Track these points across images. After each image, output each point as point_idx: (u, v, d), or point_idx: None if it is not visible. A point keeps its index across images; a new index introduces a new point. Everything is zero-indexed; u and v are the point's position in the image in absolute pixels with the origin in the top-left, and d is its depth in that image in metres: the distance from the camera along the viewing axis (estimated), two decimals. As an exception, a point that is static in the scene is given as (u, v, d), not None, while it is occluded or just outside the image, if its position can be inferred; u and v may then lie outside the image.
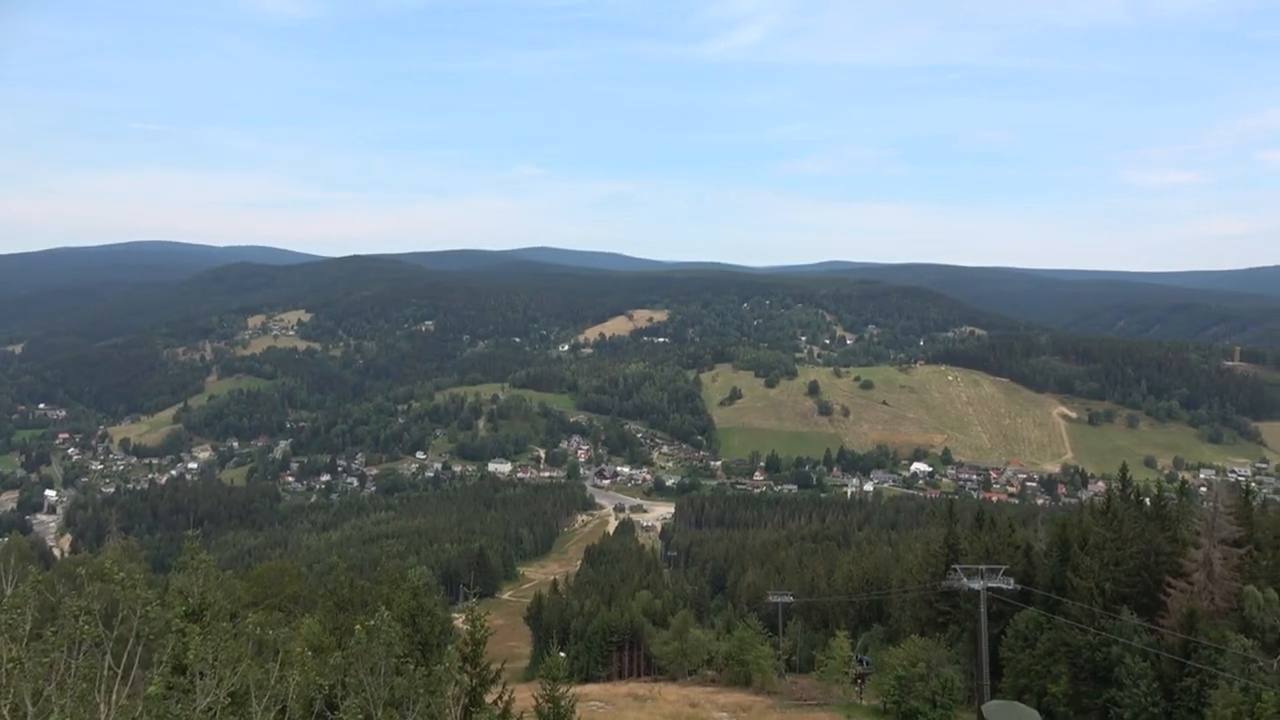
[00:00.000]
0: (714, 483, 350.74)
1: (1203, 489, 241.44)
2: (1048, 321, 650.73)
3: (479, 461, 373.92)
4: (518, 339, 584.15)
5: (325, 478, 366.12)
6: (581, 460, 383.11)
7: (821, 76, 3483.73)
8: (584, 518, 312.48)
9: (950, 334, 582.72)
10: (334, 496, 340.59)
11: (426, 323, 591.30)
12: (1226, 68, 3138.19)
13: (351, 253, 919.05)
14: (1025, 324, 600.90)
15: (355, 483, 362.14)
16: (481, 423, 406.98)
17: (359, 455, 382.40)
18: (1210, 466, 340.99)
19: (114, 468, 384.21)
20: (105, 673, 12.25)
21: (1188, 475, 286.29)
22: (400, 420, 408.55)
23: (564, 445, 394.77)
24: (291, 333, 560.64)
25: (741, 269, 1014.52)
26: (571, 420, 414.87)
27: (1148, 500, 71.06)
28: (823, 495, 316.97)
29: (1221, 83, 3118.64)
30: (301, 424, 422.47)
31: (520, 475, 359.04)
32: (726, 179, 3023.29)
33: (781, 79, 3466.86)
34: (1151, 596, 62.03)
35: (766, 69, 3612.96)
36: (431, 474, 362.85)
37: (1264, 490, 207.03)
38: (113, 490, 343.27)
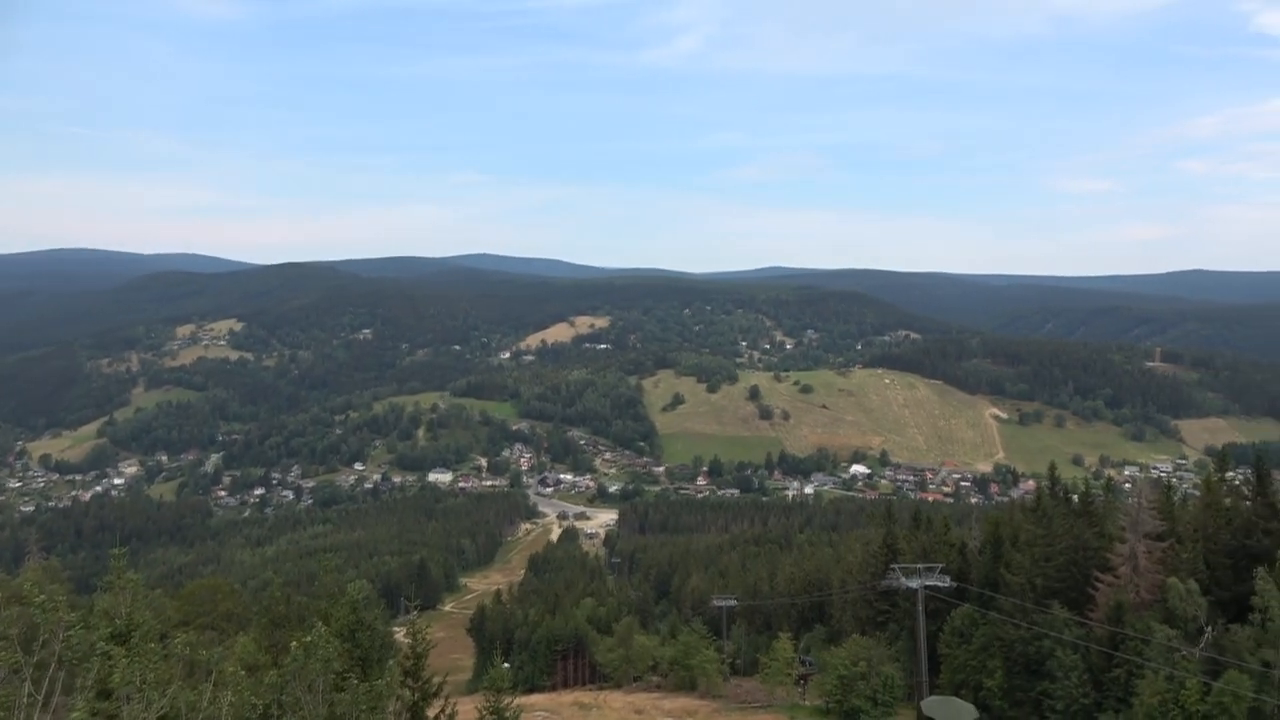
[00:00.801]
0: (657, 488, 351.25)
1: (1127, 486, 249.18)
2: (979, 325, 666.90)
3: (419, 472, 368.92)
4: (458, 347, 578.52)
5: (259, 491, 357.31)
6: (524, 468, 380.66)
7: (757, 85, 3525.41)
8: (527, 526, 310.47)
9: (886, 338, 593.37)
10: (269, 511, 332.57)
11: (364, 331, 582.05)
12: (1145, 80, 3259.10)
13: (286, 260, 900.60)
14: (958, 328, 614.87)
15: (291, 496, 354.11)
16: (421, 432, 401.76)
17: (294, 468, 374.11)
18: (1134, 464, 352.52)
19: (33, 485, 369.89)
20: (25, 700, 11.77)
21: (1113, 472, 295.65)
22: (338, 431, 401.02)
23: (506, 453, 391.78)
24: (223, 343, 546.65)
25: (682, 275, 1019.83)
26: (513, 428, 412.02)
27: (1075, 498, 73.23)
28: (764, 499, 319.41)
29: (1140, 95, 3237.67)
30: (234, 436, 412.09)
31: (462, 485, 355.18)
32: (666, 185, 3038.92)
33: (718, 87, 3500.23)
34: (1081, 591, 63.85)
35: (704, 77, 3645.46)
36: (370, 485, 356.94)
37: (1184, 485, 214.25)
38: (32, 509, 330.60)
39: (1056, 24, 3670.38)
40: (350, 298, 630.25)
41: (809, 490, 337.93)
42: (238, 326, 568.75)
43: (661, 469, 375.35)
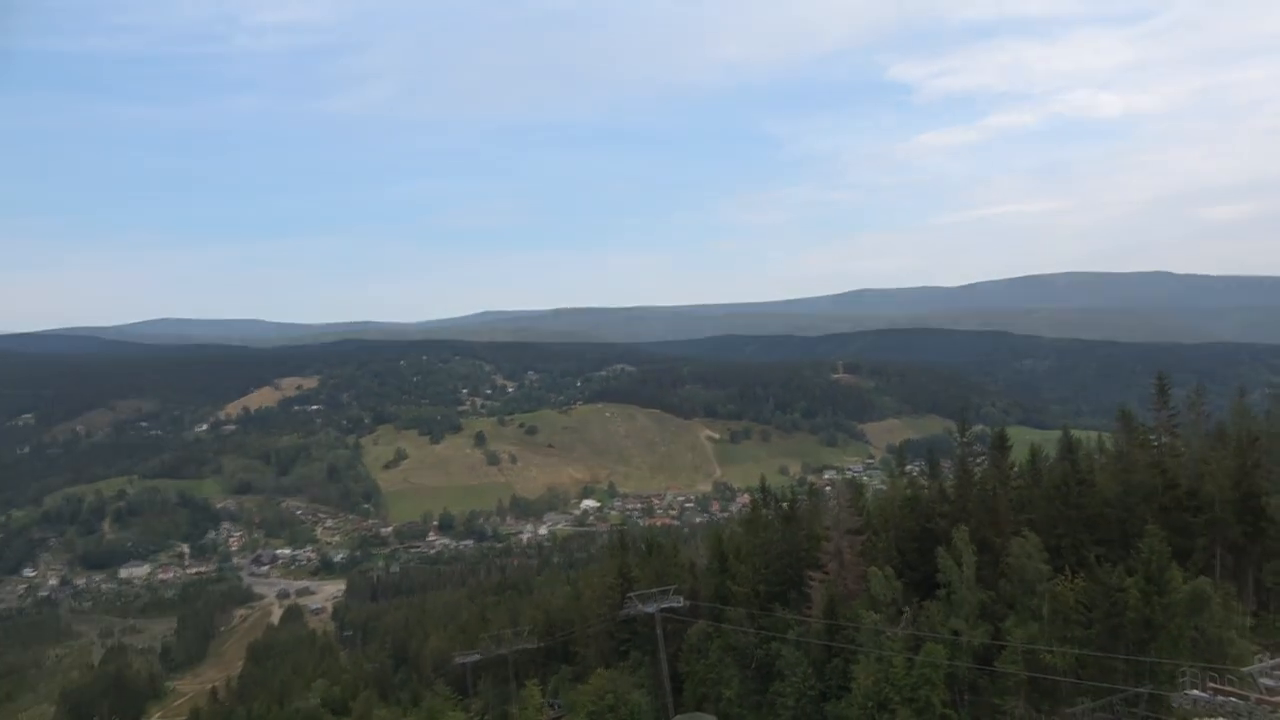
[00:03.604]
0: (387, 551, 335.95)
1: (828, 489, 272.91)
2: (688, 353, 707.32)
3: (109, 569, 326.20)
4: (144, 423, 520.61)
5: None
6: (234, 549, 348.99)
7: (455, 131, 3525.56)
8: (243, 612, 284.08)
9: (604, 373, 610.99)
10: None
11: (25, 416, 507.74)
12: (803, 120, 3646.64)
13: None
14: (669, 357, 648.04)
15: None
16: (107, 524, 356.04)
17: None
18: (831, 467, 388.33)
19: None
20: None
21: (814, 478, 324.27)
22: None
23: (212, 535, 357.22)
24: None
25: (396, 326, 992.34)
26: (219, 506, 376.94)
27: (785, 505, 79.18)
28: (500, 546, 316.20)
29: (801, 132, 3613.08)
30: None
31: (162, 576, 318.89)
32: (371, 236, 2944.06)
33: (416, 133, 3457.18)
34: (799, 591, 68.95)
35: (400, 124, 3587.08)
36: (46, 593, 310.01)
37: (873, 482, 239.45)
38: None
39: (727, 72, 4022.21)
40: (4, 379, 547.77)
41: (543, 531, 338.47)
42: None
43: (389, 529, 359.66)
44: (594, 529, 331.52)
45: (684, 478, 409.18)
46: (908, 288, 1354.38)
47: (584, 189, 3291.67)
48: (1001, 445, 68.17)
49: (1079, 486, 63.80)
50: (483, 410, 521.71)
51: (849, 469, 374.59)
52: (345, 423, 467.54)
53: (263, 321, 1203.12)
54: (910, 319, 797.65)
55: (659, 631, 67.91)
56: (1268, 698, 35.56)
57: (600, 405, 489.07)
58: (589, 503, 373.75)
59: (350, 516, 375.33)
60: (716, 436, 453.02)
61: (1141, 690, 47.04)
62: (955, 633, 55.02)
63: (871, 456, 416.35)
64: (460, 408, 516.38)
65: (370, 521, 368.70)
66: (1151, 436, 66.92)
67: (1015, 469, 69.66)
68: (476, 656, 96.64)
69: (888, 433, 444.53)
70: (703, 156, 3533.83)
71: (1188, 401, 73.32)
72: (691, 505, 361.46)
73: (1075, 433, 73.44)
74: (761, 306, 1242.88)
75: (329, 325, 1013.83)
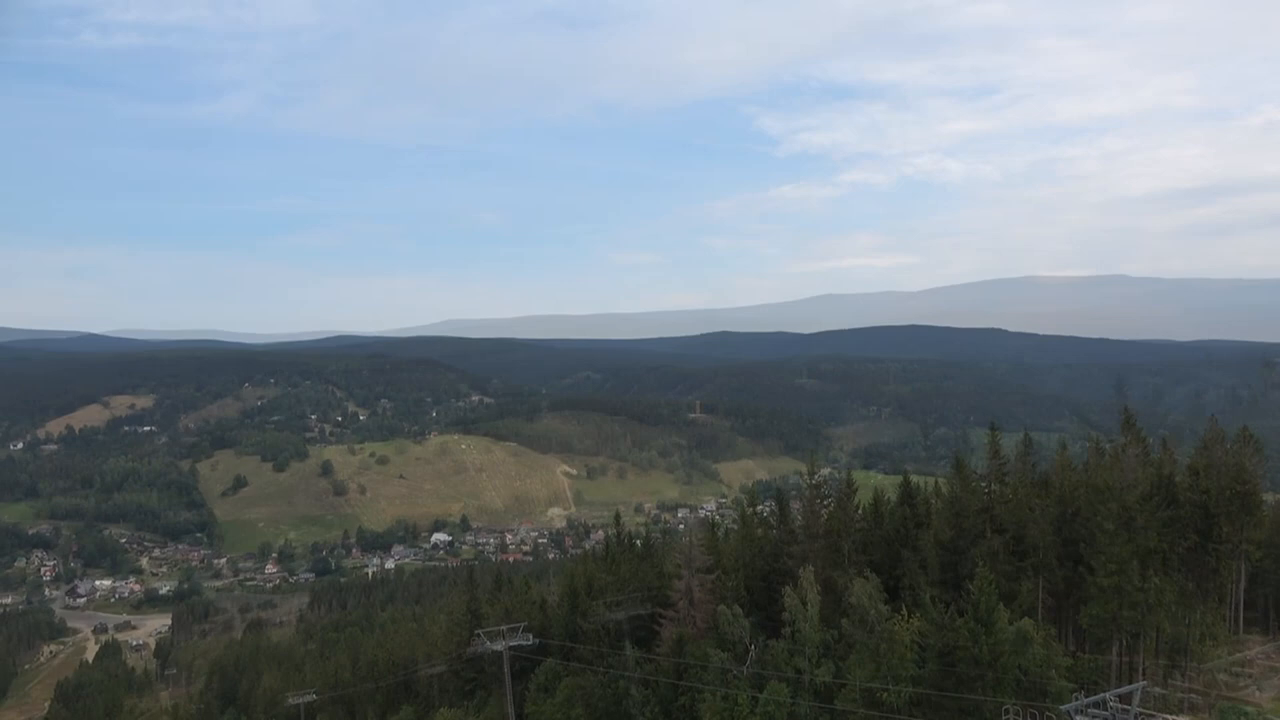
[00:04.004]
0: (220, 584, 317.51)
1: (681, 526, 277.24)
2: (548, 386, 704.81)
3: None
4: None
5: None
6: (46, 578, 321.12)
7: (323, 150, 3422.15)
8: (53, 648, 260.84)
9: (461, 403, 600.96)
10: None
11: None
12: (674, 166, 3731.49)
13: None
14: (528, 390, 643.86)
15: None
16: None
17: None
18: (685, 506, 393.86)
19: None
20: None
21: (668, 516, 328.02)
22: None
23: (21, 563, 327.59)
24: None
25: (242, 344, 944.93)
26: (31, 532, 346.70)
27: (639, 542, 79.43)
28: (343, 580, 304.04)
29: (671, 179, 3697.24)
30: None
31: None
32: (222, 249, 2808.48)
33: (280, 149, 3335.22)
34: (649, 629, 68.99)
35: (263, 138, 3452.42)
36: None
37: (726, 521, 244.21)
38: None
39: (601, 112, 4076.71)
40: None
41: (390, 565, 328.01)
42: None
43: (224, 561, 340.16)
44: (444, 564, 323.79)
45: (538, 513, 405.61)
46: (765, 331, 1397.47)
47: (450, 216, 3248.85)
48: (848, 488, 70.66)
49: (916, 530, 66.81)
50: (331, 438, 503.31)
51: (703, 507, 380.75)
52: (181, 446, 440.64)
53: (94, 335, 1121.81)
54: (762, 365, 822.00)
55: (506, 669, 66.46)
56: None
57: (456, 436, 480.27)
58: (440, 536, 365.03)
59: (181, 546, 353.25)
60: (573, 472, 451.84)
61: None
62: (798, 671, 56.24)
63: (724, 495, 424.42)
64: (308, 434, 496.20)
65: (204, 552, 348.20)
66: (983, 483, 70.84)
67: (859, 511, 72.27)
68: (312, 696, 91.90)
69: (742, 473, 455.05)
70: (568, 190, 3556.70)
71: (1016, 452, 78.06)
72: (545, 541, 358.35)
73: (914, 478, 77.00)
74: (624, 344, 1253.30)
75: (167, 340, 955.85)
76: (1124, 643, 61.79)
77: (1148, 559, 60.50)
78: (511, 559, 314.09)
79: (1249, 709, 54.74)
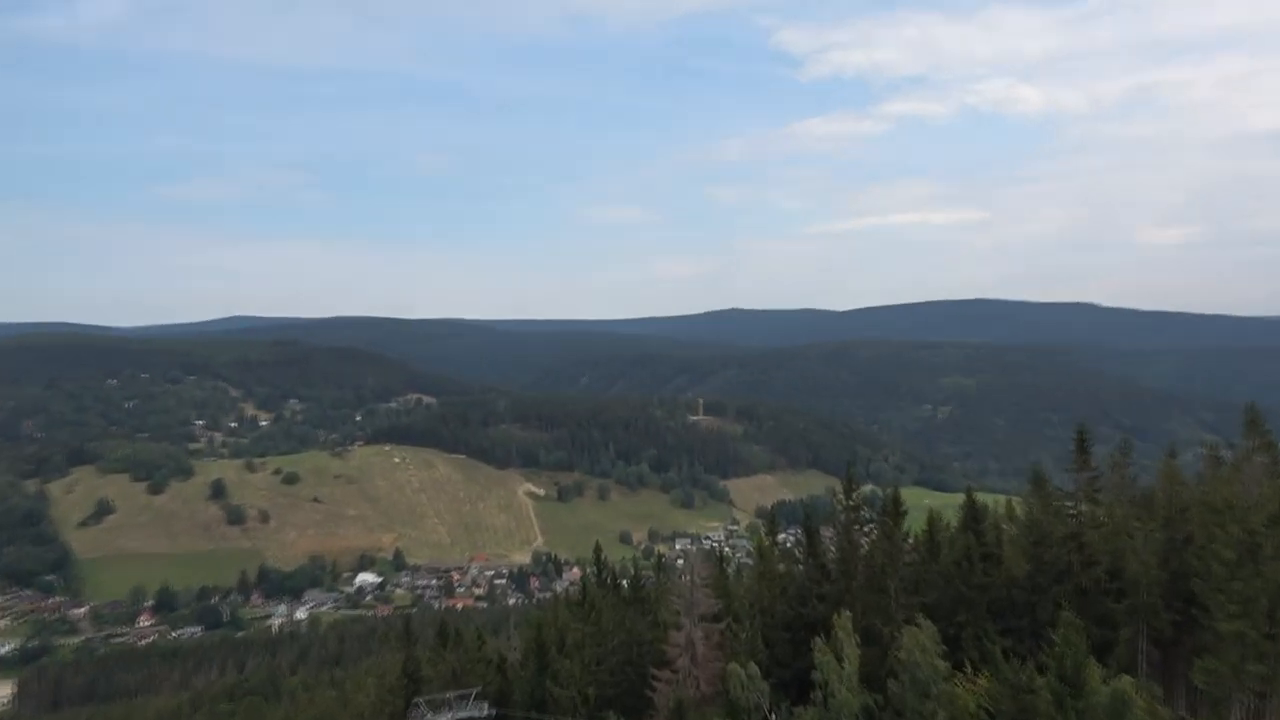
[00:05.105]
0: (77, 640, 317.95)
1: (679, 561, 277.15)
2: (506, 382, 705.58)
3: None
4: None
5: None
6: None
7: (207, 75, 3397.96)
8: None
9: (394, 404, 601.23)
10: None
11: None
12: (669, 96, 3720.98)
13: None
14: (481, 387, 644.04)
15: None
16: None
17: None
18: (685, 534, 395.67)
19: None
20: None
21: (663, 548, 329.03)
22: None
23: None
24: None
25: (104, 331, 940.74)
26: None
27: (625, 583, 79.68)
28: (240, 634, 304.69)
29: (665, 112, 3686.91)
30: None
31: None
32: (77, 208, 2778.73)
33: (151, 74, 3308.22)
34: (638, 694, 69.28)
35: (127, 59, 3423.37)
36: None
37: (737, 555, 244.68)
38: None
39: (574, 25, 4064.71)
40: None
41: (302, 615, 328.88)
42: None
43: (84, 610, 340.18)
44: (373, 612, 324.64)
45: (495, 545, 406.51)
46: (787, 309, 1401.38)
47: (377, 161, 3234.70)
48: (895, 511, 70.94)
49: (983, 563, 67.22)
50: (224, 450, 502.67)
51: (707, 536, 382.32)
52: (25, 461, 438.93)
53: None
54: (786, 351, 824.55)
55: (454, 749, 66.70)
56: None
57: (388, 448, 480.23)
58: (367, 577, 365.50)
59: (25, 592, 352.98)
60: (539, 493, 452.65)
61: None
62: (832, 747, 56.58)
63: (736, 522, 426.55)
64: (193, 445, 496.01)
65: (57, 600, 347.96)
66: (1068, 503, 71.14)
67: (910, 540, 72.55)
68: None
69: (758, 491, 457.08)
70: (529, 129, 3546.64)
71: (1111, 461, 78.34)
72: (504, 581, 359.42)
73: (980, 496, 77.43)
74: (603, 325, 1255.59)
75: (6, 326, 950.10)
76: (1249, 705, 62.37)
77: (1279, 599, 61.04)
78: (461, 605, 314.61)
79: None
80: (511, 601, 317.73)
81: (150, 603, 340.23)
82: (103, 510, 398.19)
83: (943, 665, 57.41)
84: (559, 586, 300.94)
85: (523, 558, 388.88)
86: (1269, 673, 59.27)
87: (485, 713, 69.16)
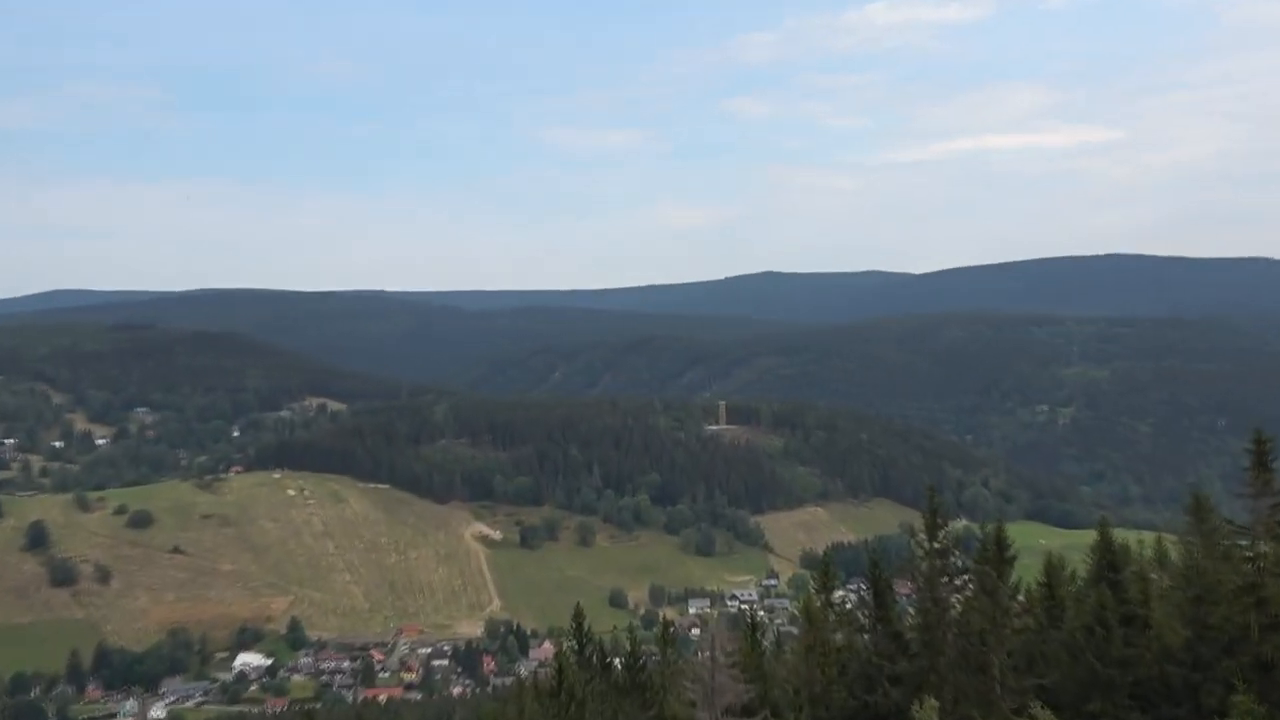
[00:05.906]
0: None
1: (694, 631, 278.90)
2: (447, 380, 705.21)
3: None
4: None
5: None
6: None
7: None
8: None
9: (287, 413, 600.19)
10: None
11: None
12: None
13: None
14: (412, 388, 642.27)
15: None
16: None
17: None
18: (702, 593, 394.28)
19: None
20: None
21: (671, 612, 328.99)
22: None
23: None
24: None
25: None
26: None
27: (618, 663, 79.82)
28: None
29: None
30: None
31: None
32: None
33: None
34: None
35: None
36: None
37: (776, 621, 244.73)
38: None
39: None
40: None
41: (159, 713, 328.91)
42: None
43: None
44: (259, 708, 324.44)
45: (432, 613, 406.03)
46: (842, 273, 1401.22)
47: (261, 70, 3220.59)
48: (999, 557, 71.00)
49: (1124, 629, 67.39)
50: (45, 480, 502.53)
51: (734, 595, 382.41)
52: None
53: None
54: (839, 329, 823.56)
55: None
56: None
57: (278, 475, 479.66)
58: (250, 659, 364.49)
59: None
60: (495, 536, 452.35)
61: None
62: None
63: (774, 574, 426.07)
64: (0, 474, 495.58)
65: None
66: (1243, 541, 70.99)
67: (1020, 598, 72.64)
68: None
69: (803, 531, 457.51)
70: (478, 20, 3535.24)
71: (1302, 483, 78.26)
72: (446, 663, 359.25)
73: (1119, 534, 77.63)
74: (583, 297, 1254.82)
75: None
76: None
77: None
78: (384, 697, 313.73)
79: None
80: (457, 691, 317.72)
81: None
82: None
83: (1069, 774, 57.69)
84: (524, 669, 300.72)
85: (472, 629, 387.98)
86: None
87: None
